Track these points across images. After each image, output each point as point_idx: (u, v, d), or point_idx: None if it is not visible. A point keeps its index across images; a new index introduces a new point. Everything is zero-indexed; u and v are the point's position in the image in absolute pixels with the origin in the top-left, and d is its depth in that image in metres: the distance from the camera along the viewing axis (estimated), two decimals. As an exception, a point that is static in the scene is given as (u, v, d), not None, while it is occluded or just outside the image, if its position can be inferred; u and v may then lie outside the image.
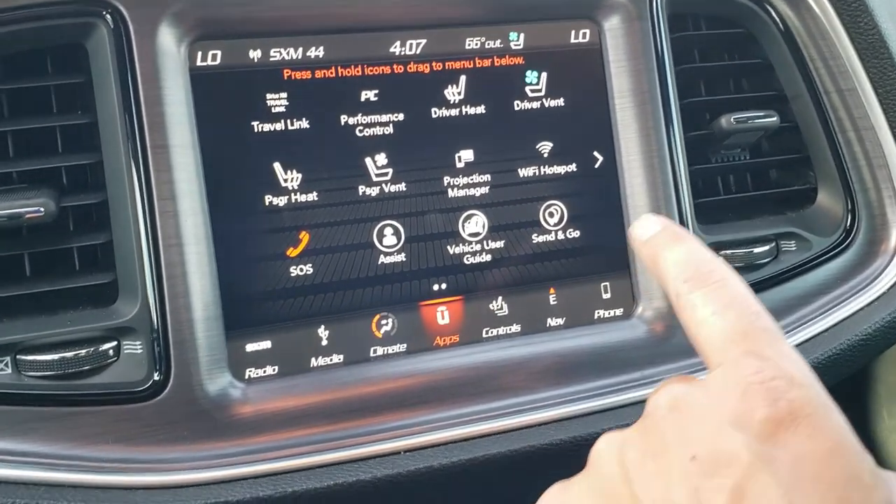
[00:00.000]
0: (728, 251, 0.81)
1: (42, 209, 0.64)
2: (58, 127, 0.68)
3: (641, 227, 0.51)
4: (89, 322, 0.66)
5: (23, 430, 0.64)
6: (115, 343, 0.66)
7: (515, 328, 0.77)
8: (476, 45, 0.76)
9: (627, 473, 0.42)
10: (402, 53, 0.74)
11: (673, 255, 0.48)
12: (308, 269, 0.72)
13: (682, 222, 0.79)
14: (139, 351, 0.66)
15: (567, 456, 0.71)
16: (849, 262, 0.85)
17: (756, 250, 0.82)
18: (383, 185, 0.74)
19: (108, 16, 0.67)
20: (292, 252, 0.71)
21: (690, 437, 0.41)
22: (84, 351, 0.65)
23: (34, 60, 0.68)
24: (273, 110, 0.71)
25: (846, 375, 0.83)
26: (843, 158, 0.85)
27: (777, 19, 0.84)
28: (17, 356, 0.64)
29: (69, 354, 0.65)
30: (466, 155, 0.76)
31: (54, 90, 0.68)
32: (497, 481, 0.72)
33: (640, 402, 0.73)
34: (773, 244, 0.83)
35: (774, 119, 0.84)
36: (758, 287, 0.82)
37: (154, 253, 0.66)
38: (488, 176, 0.76)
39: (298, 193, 0.71)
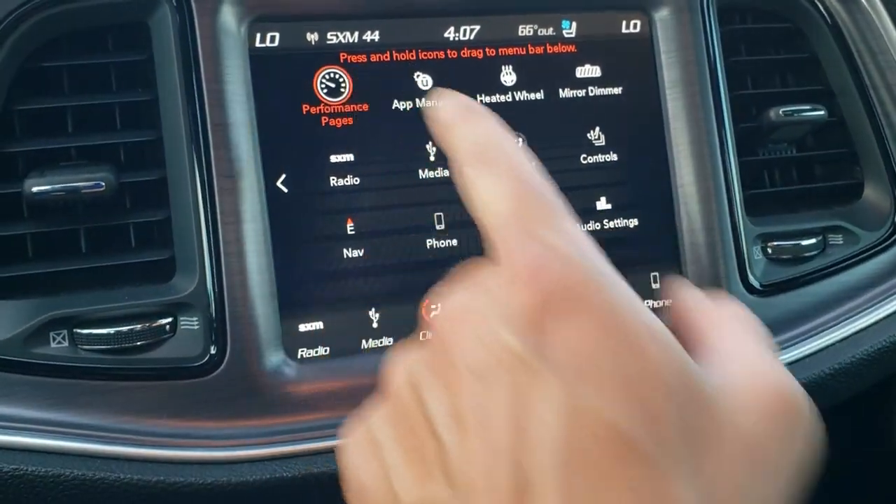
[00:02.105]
0: (776, 243, 0.81)
1: (103, 183, 0.64)
2: (116, 104, 0.69)
3: (436, 101, 0.45)
4: (146, 297, 0.66)
5: (79, 404, 0.64)
6: (171, 319, 0.66)
7: (564, 315, 0.77)
8: (529, 32, 0.77)
9: (418, 392, 0.39)
10: (456, 39, 0.75)
11: (463, 132, 0.43)
12: (360, 252, 0.72)
13: (732, 212, 0.79)
14: (196, 327, 0.66)
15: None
16: (897, 257, 0.85)
17: (804, 243, 0.82)
18: (436, 170, 0.74)
19: (171, -6, 0.67)
20: (345, 235, 0.71)
21: (467, 348, 0.36)
22: (140, 326, 0.65)
23: (95, 37, 0.69)
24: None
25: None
26: (890, 154, 0.85)
27: (825, 14, 0.84)
28: (74, 330, 0.64)
29: (125, 329, 0.65)
30: (518, 141, 0.76)
31: (114, 67, 0.69)
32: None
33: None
34: (821, 237, 0.83)
35: (822, 113, 0.84)
36: (805, 280, 0.81)
37: (213, 230, 0.66)
38: (539, 163, 0.76)
39: (353, 176, 0.72)
